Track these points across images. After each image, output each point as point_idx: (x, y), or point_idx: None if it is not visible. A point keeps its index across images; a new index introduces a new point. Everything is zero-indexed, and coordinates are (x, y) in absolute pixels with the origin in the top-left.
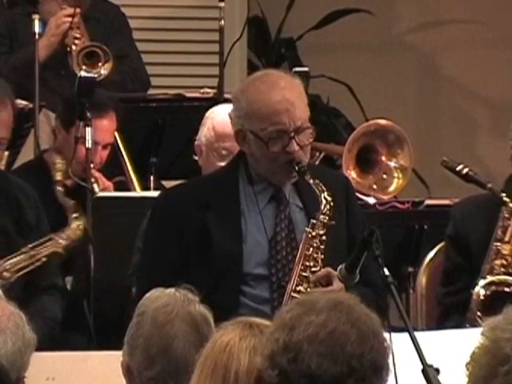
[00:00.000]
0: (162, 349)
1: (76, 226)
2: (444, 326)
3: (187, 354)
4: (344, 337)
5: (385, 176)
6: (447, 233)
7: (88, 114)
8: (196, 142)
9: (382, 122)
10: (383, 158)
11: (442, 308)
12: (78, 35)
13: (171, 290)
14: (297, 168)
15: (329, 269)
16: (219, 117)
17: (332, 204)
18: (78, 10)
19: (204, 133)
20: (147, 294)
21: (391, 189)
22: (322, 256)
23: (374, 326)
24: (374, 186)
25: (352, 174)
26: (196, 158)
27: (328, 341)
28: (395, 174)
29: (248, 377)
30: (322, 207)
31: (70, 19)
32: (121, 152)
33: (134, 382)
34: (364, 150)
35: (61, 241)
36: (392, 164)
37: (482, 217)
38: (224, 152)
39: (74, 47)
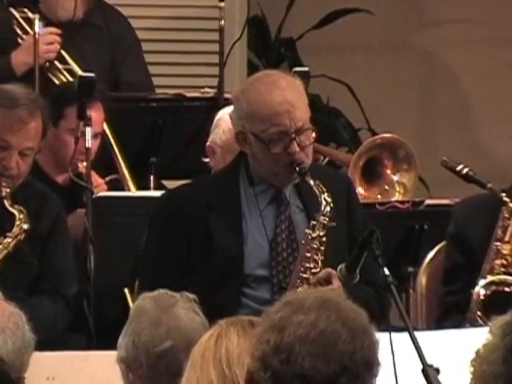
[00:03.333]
0: (172, 328)
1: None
2: (444, 326)
3: (197, 332)
4: (335, 335)
5: (386, 187)
6: (448, 232)
7: (88, 114)
8: (208, 144)
9: (394, 136)
10: (388, 171)
11: (443, 307)
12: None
13: (163, 290)
14: (298, 169)
15: (329, 269)
16: None
17: (332, 205)
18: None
19: (219, 135)
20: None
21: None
22: (322, 257)
23: (363, 322)
24: (379, 197)
25: (360, 191)
26: (206, 159)
27: (319, 340)
28: (397, 189)
29: (239, 349)
30: (322, 208)
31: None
32: (113, 149)
33: (131, 379)
34: (370, 161)
35: (8, 240)
36: (395, 178)
37: (483, 216)
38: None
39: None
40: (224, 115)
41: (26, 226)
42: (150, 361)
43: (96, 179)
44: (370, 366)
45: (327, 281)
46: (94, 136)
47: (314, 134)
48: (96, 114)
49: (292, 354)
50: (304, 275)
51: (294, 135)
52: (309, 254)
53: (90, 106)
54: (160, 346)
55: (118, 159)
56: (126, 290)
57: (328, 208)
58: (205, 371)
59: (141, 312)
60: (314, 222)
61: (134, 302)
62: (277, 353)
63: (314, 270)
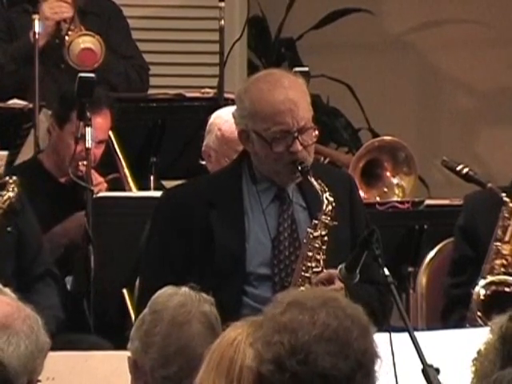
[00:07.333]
0: (181, 348)
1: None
2: (447, 321)
3: (204, 354)
4: (348, 333)
5: (386, 190)
6: (458, 224)
7: (88, 114)
8: (203, 148)
9: (394, 139)
10: (387, 174)
11: (448, 299)
12: (72, 27)
13: (185, 289)
14: (300, 168)
15: (330, 271)
16: (226, 122)
17: (334, 204)
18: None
19: (212, 139)
20: (160, 292)
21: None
22: (324, 256)
23: (365, 318)
24: (378, 199)
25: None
26: (203, 162)
27: (335, 339)
28: (396, 191)
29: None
30: (324, 207)
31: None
32: (115, 149)
33: (141, 378)
34: (370, 164)
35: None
36: (395, 181)
37: (493, 210)
38: (235, 156)
39: (67, 38)
40: (215, 119)
41: (12, 194)
42: (154, 377)
43: (96, 177)
44: (376, 360)
45: (329, 281)
46: (99, 143)
47: (316, 133)
48: (103, 120)
49: (310, 353)
50: (306, 274)
51: (296, 134)
52: (310, 253)
53: (98, 112)
54: (166, 370)
55: (120, 162)
56: (125, 291)
57: (330, 207)
58: None
59: (156, 318)
60: (316, 221)
61: (132, 302)
62: (293, 354)
63: (315, 269)
